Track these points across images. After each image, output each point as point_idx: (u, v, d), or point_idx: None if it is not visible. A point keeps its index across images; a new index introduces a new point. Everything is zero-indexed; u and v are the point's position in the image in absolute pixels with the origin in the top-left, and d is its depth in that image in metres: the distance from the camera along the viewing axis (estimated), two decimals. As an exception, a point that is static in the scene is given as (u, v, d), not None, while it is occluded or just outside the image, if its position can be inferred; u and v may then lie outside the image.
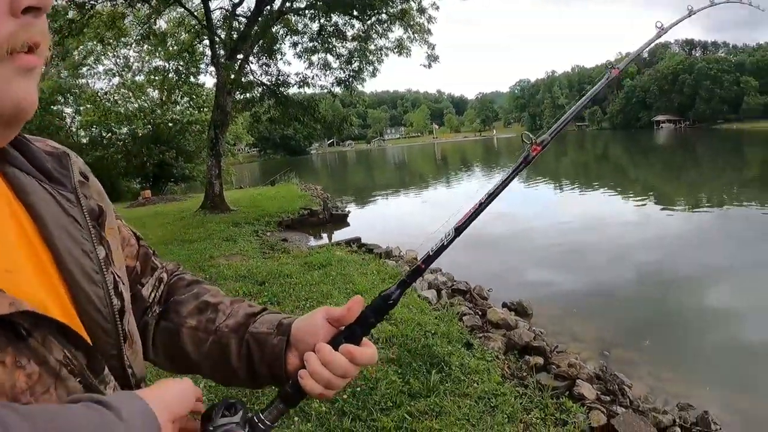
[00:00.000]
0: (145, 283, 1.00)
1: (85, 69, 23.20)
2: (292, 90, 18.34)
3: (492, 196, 1.01)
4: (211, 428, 0.77)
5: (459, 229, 0.98)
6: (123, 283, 0.83)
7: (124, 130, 27.78)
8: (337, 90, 18.41)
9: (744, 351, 6.89)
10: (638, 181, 29.72)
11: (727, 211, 17.55)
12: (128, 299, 0.84)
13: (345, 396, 4.10)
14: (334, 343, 0.88)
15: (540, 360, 5.38)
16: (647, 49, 1.25)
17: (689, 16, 1.32)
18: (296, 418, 3.80)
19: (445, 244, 0.98)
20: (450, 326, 5.77)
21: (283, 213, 16.13)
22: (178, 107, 25.84)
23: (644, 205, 19.84)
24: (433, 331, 5.48)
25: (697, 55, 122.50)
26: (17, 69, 0.60)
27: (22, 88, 0.61)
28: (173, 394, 0.71)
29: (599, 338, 7.21)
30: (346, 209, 19.55)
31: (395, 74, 46.15)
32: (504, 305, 7.89)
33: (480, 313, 6.88)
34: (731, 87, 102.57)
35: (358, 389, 4.22)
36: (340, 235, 14.75)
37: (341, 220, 17.39)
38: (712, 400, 5.54)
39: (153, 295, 1.01)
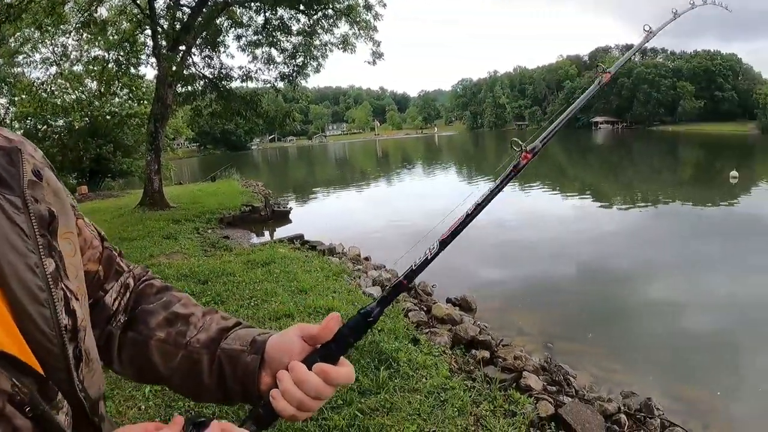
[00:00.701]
0: (108, 289, 0.94)
1: (21, 57, 22.07)
2: (235, 84, 18.07)
3: (480, 207, 0.96)
4: None
5: (444, 243, 0.94)
6: (77, 299, 0.76)
7: (61, 122, 26.58)
8: (281, 85, 18.19)
9: (681, 340, 7.23)
10: (577, 180, 30.59)
11: (662, 208, 18.32)
12: (83, 315, 0.77)
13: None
14: (309, 361, 0.83)
15: (486, 354, 5.45)
16: (636, 52, 1.26)
17: (674, 19, 1.34)
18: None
19: (429, 258, 0.93)
20: (396, 322, 5.76)
21: (224, 210, 15.87)
22: (117, 99, 24.91)
23: (583, 202, 20.43)
24: (379, 328, 5.45)
25: (636, 59, 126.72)
26: None
27: None
28: None
29: (543, 331, 7.39)
30: (288, 206, 19.39)
31: (338, 70, 46.21)
32: (448, 300, 7.98)
33: (425, 308, 6.94)
34: (668, 91, 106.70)
35: (307, 387, 4.16)
36: (282, 232, 14.59)
37: (283, 217, 17.23)
38: (653, 387, 5.79)
39: (118, 302, 0.95)
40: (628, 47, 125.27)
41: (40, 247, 0.69)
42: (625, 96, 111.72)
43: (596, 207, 19.23)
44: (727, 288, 9.26)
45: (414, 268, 0.93)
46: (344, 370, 0.84)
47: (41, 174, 0.77)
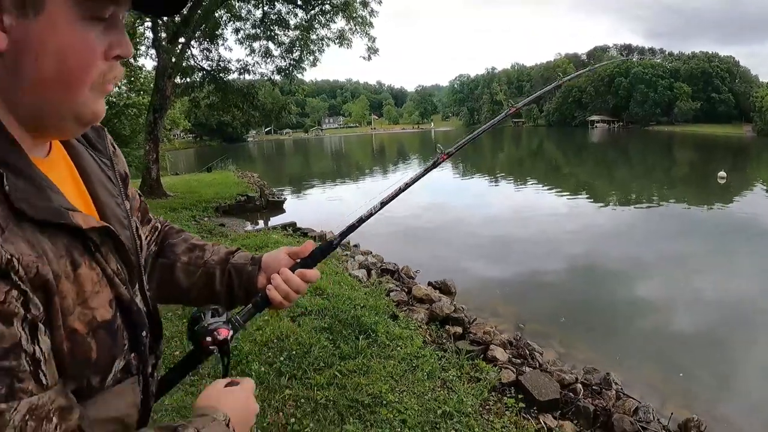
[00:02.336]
0: (143, 229, 1.30)
1: None
2: (232, 76, 18.36)
3: (407, 186, 1.44)
4: (205, 325, 1.12)
5: (383, 203, 1.39)
6: (140, 228, 1.16)
7: (59, 112, 26.73)
8: (277, 78, 18.49)
9: (651, 328, 7.63)
10: (570, 177, 30.93)
11: (647, 207, 18.74)
12: (143, 240, 1.16)
13: (282, 359, 4.50)
14: (292, 269, 1.27)
15: (459, 329, 5.92)
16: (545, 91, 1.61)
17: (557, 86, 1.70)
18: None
19: (373, 212, 1.39)
20: (378, 300, 6.23)
21: (220, 199, 16.23)
22: (115, 89, 25.11)
23: (573, 200, 20.74)
24: (362, 305, 5.90)
25: (634, 59, 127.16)
26: (103, 93, 0.87)
27: (101, 105, 0.88)
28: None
29: (517, 314, 7.83)
30: (283, 196, 19.76)
31: (336, 63, 46.21)
32: (429, 284, 8.40)
33: (406, 290, 7.38)
34: (665, 92, 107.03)
35: (294, 353, 4.61)
36: (276, 220, 14.96)
37: (277, 207, 17.66)
38: (617, 367, 6.15)
39: (148, 238, 1.32)
40: (626, 46, 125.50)
41: (122, 192, 1.09)
42: (622, 95, 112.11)
43: (584, 204, 19.53)
44: (693, 281, 9.65)
45: (363, 217, 1.39)
46: (313, 272, 1.29)
47: (115, 147, 1.18)
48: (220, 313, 1.15)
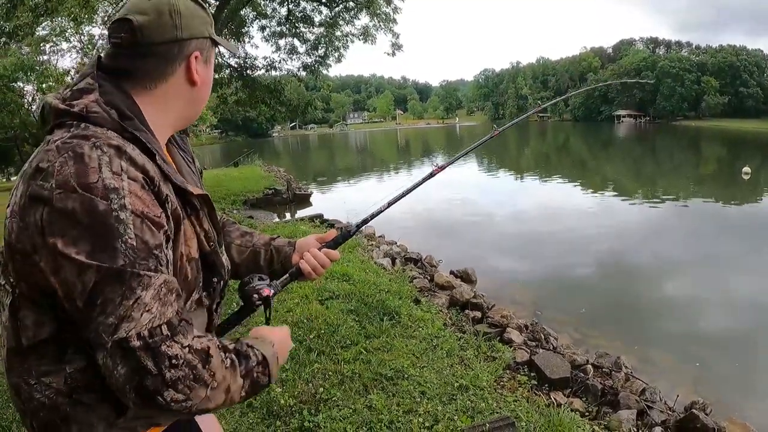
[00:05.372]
0: None
1: (47, 46, 22.76)
2: (259, 73, 18.75)
3: (409, 191, 1.87)
4: (253, 286, 1.50)
5: (390, 203, 1.82)
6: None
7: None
8: (303, 74, 18.82)
9: (670, 323, 7.71)
10: (596, 173, 30.72)
11: (669, 203, 18.61)
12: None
13: (311, 337, 4.86)
14: (319, 249, 1.67)
15: (478, 314, 6.24)
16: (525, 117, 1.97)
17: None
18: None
19: (382, 210, 1.83)
20: (401, 286, 6.59)
21: (248, 192, 16.69)
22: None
23: (599, 195, 20.81)
24: (386, 290, 6.25)
25: (660, 53, 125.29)
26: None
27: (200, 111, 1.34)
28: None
29: (536, 303, 8.07)
30: (309, 190, 20.15)
31: (360, 58, 46.44)
32: (451, 272, 8.70)
33: (429, 277, 7.73)
34: (692, 86, 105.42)
35: (322, 332, 4.97)
36: (303, 213, 15.32)
37: (304, 200, 18.10)
38: (631, 354, 6.37)
39: None
40: (652, 39, 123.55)
41: (200, 181, 1.46)
42: (649, 89, 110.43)
43: (610, 201, 19.42)
44: (719, 280, 9.61)
45: (374, 213, 1.84)
46: (335, 252, 1.71)
47: (193, 151, 1.55)
48: (264, 279, 1.53)
